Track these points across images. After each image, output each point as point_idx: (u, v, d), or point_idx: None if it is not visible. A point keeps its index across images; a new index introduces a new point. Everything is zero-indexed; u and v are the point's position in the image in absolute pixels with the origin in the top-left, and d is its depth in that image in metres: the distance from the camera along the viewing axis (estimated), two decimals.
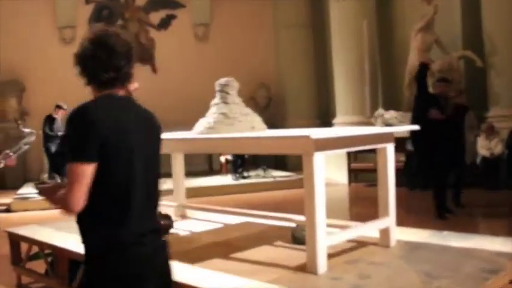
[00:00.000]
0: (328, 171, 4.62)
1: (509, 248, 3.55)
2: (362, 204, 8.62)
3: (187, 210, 5.02)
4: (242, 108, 4.11)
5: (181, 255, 3.35)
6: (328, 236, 3.24)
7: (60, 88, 12.00)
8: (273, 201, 9.30)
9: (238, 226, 4.61)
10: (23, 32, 12.53)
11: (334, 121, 12.01)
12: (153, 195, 2.01)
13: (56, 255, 4.15)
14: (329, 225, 3.38)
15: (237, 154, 10.57)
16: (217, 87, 4.21)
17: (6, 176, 11.37)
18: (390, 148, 3.73)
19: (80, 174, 1.79)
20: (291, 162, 12.53)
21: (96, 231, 1.88)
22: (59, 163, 9.20)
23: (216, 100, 4.22)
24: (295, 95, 14.11)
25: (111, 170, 1.85)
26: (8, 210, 9.24)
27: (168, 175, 4.46)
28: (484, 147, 9.27)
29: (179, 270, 2.94)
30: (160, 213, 2.22)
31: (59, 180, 10.21)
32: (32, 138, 4.64)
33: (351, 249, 3.65)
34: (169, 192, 4.74)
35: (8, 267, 4.84)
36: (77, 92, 12.87)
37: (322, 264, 3.18)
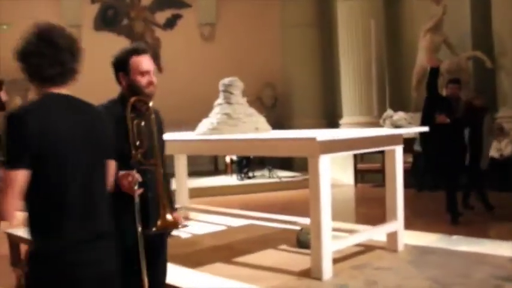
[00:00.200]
0: (334, 172, 4.52)
1: None
2: (368, 206, 8.50)
3: (190, 212, 4.94)
4: (246, 108, 4.01)
5: (182, 259, 3.26)
6: (333, 240, 3.14)
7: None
8: (278, 202, 9.19)
9: (241, 229, 4.52)
10: (27, 30, 12.49)
11: (341, 121, 11.89)
12: (98, 201, 1.92)
13: None
14: (335, 229, 3.28)
15: None
16: (220, 87, 4.12)
17: None
18: (399, 150, 3.62)
19: (13, 181, 1.74)
20: (296, 162, 12.41)
21: (34, 238, 1.83)
22: None
23: (220, 100, 4.12)
24: (302, 95, 13.99)
25: (43, 178, 1.79)
26: None
27: (171, 176, 4.37)
28: (494, 148, 9.12)
29: (179, 274, 2.85)
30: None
31: None
32: None
33: (358, 253, 3.56)
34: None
35: (8, 268, 4.77)
36: (80, 90, 12.88)
37: (327, 269, 3.08)
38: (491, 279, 3.01)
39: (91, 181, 1.89)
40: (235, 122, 3.87)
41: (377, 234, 3.62)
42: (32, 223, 1.82)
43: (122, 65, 2.48)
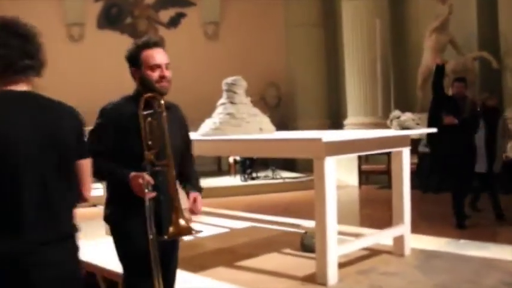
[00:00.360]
0: (338, 173, 4.40)
1: None
2: (373, 208, 8.41)
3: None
4: (250, 108, 3.93)
5: (184, 262, 3.17)
6: (339, 244, 3.06)
7: (68, 86, 11.90)
8: (282, 203, 9.10)
9: (244, 231, 4.43)
10: None
11: (345, 122, 11.79)
12: (59, 202, 1.84)
13: None
14: (340, 233, 3.19)
15: None
16: (224, 87, 4.04)
17: None
18: (406, 152, 3.54)
19: None
20: (300, 163, 12.32)
21: None
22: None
23: (223, 100, 4.04)
24: (306, 95, 13.88)
25: None
26: None
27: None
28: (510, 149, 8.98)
29: (181, 278, 2.77)
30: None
31: None
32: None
33: (364, 257, 3.47)
34: None
35: None
36: (84, 89, 12.80)
37: (332, 274, 3.00)
38: (501, 285, 2.92)
39: (51, 182, 1.81)
40: (238, 122, 3.79)
41: (383, 238, 3.52)
42: None
43: (133, 60, 2.35)
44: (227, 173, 12.30)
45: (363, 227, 5.66)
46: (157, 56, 2.31)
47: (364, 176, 10.96)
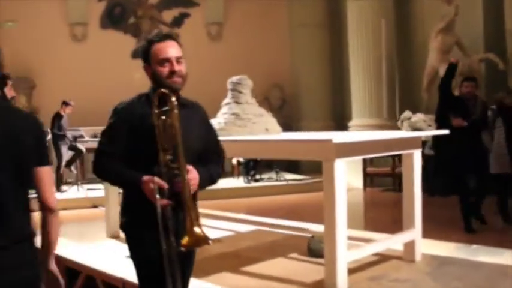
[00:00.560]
0: None
1: None
2: (378, 210, 8.30)
3: None
4: (256, 108, 3.82)
5: None
6: (348, 249, 2.94)
7: (71, 86, 11.81)
8: (285, 205, 8.99)
9: (249, 235, 4.32)
10: (33, 27, 12.33)
11: (350, 124, 11.67)
12: (12, 209, 1.81)
13: None
14: (350, 238, 3.07)
15: None
16: (229, 86, 3.93)
17: None
18: (417, 154, 3.42)
19: None
20: (304, 164, 12.21)
21: None
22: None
23: (228, 99, 3.93)
24: (310, 96, 13.78)
25: None
26: None
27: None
28: None
29: None
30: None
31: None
32: (48, 137, 4.37)
33: (373, 263, 3.36)
34: None
35: None
36: (86, 89, 12.64)
37: (342, 281, 2.88)
38: None
39: (4, 186, 1.77)
40: (244, 122, 3.68)
41: (394, 243, 3.41)
42: None
43: (145, 55, 2.19)
44: (230, 174, 12.18)
45: (368, 230, 5.54)
46: (167, 49, 2.14)
47: (369, 178, 10.85)
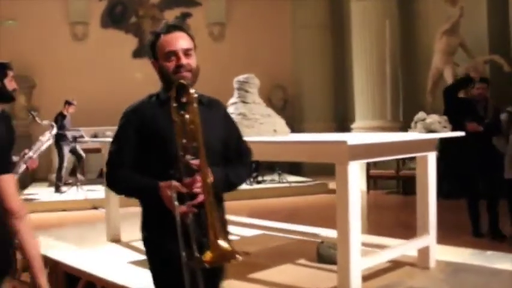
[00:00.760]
0: None
1: None
2: (381, 213, 8.18)
3: None
4: (263, 108, 3.68)
5: None
6: (363, 257, 2.81)
7: (71, 85, 11.70)
8: (288, 207, 8.86)
9: (254, 239, 4.18)
10: (33, 26, 12.21)
11: (353, 125, 11.55)
12: None
13: (51, 268, 3.76)
14: (362, 244, 2.94)
15: None
16: (235, 85, 3.79)
17: None
18: (431, 157, 3.29)
19: None
20: (306, 166, 12.08)
21: None
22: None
23: (234, 99, 3.79)
24: (312, 97, 13.69)
25: None
26: None
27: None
28: None
29: None
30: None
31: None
32: (53, 131, 4.22)
33: (386, 270, 3.22)
34: None
35: None
36: (87, 89, 12.47)
37: None
38: None
39: None
40: (251, 122, 3.54)
41: (409, 249, 3.27)
42: None
43: (152, 50, 1.98)
44: None
45: (372, 233, 5.41)
46: (174, 41, 1.91)
47: (372, 181, 10.72)
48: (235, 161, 2.03)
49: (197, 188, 1.76)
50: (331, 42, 13.93)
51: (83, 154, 9.75)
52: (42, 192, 9.69)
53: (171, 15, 13.85)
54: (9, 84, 2.95)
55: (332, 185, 10.52)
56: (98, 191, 8.78)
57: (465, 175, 5.84)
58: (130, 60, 13.04)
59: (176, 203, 1.74)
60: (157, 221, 1.89)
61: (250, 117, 3.60)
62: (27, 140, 9.64)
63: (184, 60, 1.89)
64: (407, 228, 6.09)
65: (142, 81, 13.03)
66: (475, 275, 3.19)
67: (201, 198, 1.74)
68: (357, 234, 2.73)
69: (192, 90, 1.82)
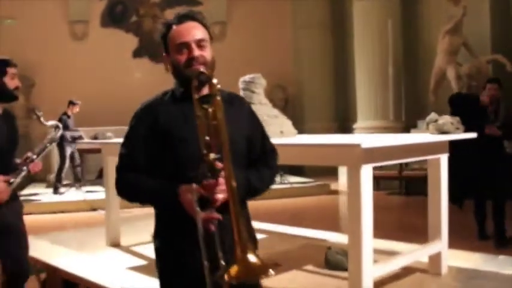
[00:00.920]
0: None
1: None
2: (384, 214, 8.03)
3: None
4: (270, 109, 3.58)
5: None
6: (374, 264, 2.70)
7: (71, 85, 11.59)
8: (290, 209, 8.77)
9: (259, 244, 4.05)
10: (33, 25, 12.08)
11: (355, 126, 11.46)
12: None
13: (49, 274, 3.65)
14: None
15: None
16: (241, 85, 3.69)
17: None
18: (444, 159, 3.18)
19: None
20: (308, 167, 11.98)
21: None
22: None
23: None
24: (313, 97, 13.62)
25: None
26: None
27: None
28: None
29: None
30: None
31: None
32: (59, 133, 4.04)
33: (397, 277, 3.11)
34: None
35: None
36: (87, 89, 12.32)
37: None
38: None
39: None
40: None
41: (420, 255, 3.16)
42: None
43: (163, 43, 1.81)
44: None
45: (375, 234, 5.30)
46: (185, 32, 1.74)
47: (375, 182, 10.60)
48: (259, 163, 1.83)
49: (221, 191, 1.56)
50: (332, 41, 13.87)
51: (79, 161, 9.64)
52: (40, 193, 9.57)
53: (171, 15, 13.67)
54: (10, 82, 2.78)
55: (334, 185, 10.44)
56: (97, 192, 8.67)
57: (474, 176, 5.71)
58: (131, 60, 12.94)
59: (198, 208, 1.55)
60: (174, 229, 1.70)
61: None
62: (27, 140, 9.54)
63: (197, 52, 1.73)
64: (411, 230, 5.99)
65: (142, 81, 12.94)
66: (489, 282, 3.09)
67: (220, 199, 1.56)
68: (369, 241, 2.63)
69: (214, 80, 1.63)
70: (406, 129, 10.55)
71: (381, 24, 10.95)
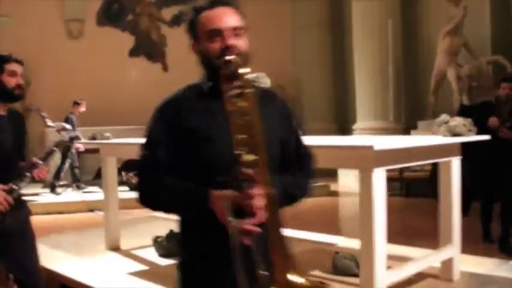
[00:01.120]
0: (349, 180, 3.95)
1: None
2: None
3: None
4: None
5: None
6: (388, 270, 2.60)
7: (66, 84, 11.47)
8: (290, 210, 8.64)
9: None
10: (28, 23, 11.93)
11: (355, 126, 11.38)
12: None
13: (46, 278, 3.53)
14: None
15: None
16: None
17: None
18: (456, 162, 3.08)
19: None
20: None
21: None
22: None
23: None
24: (312, 98, 13.53)
25: None
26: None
27: None
28: None
29: None
30: None
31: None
32: (67, 135, 3.81)
33: (409, 282, 3.01)
34: None
35: None
36: (83, 87, 12.16)
37: None
38: None
39: None
40: None
41: (433, 261, 3.07)
42: None
43: (192, 30, 1.59)
44: None
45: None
46: (218, 18, 1.53)
47: None
48: (294, 168, 1.64)
49: (259, 201, 1.34)
50: (331, 42, 13.80)
51: (77, 163, 9.54)
52: (37, 194, 9.45)
53: (168, 14, 13.63)
54: (9, 80, 2.52)
55: (333, 186, 10.34)
56: (95, 193, 8.56)
57: (482, 178, 5.60)
58: (127, 59, 12.82)
59: (230, 218, 1.35)
60: (204, 242, 1.49)
61: None
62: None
63: (231, 41, 1.50)
64: (413, 232, 5.90)
65: (139, 80, 12.83)
66: (502, 287, 2.99)
67: (261, 215, 1.34)
68: (382, 247, 2.53)
69: (246, 69, 1.42)
70: (406, 130, 10.47)
71: (380, 24, 10.88)
